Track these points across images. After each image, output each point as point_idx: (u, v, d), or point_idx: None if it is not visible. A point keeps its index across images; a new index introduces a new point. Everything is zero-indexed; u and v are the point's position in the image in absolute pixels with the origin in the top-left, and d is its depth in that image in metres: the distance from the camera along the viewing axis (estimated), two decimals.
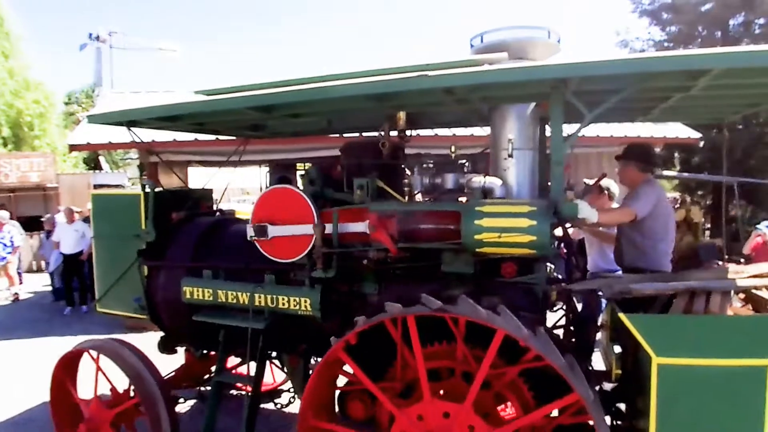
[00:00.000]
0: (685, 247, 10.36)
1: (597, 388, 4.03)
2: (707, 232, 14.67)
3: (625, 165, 4.19)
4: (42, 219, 11.99)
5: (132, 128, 4.09)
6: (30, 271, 14.39)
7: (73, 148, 9.61)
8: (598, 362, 4.32)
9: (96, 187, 15.87)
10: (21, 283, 11.97)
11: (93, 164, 24.50)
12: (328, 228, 3.43)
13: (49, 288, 11.15)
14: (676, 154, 18.92)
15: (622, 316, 2.66)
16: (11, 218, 11.84)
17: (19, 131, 19.80)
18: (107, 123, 4.16)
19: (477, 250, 3.07)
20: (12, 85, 19.47)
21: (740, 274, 2.99)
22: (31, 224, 14.20)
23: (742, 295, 3.00)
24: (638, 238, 3.94)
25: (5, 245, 11.07)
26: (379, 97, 3.21)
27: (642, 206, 3.84)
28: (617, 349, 3.38)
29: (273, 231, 3.58)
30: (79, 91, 29.54)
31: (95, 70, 19.02)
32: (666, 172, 17.40)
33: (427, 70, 2.91)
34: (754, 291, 2.89)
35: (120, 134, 6.67)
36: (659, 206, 3.90)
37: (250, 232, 3.60)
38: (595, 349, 4.02)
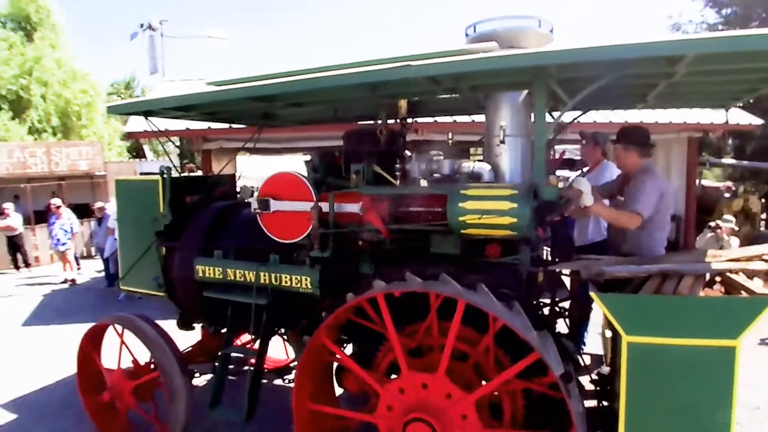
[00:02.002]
0: (743, 237, 10.16)
1: (596, 371, 4.16)
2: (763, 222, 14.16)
3: (626, 149, 4.04)
4: (93, 207, 12.33)
5: (150, 118, 4.37)
6: (82, 257, 15.00)
7: (130, 135, 9.86)
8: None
9: (142, 174, 16.44)
10: (79, 268, 12.42)
11: (136, 153, 25.43)
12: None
13: (102, 274, 11.37)
14: (729, 141, 18.30)
15: (593, 294, 2.76)
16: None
17: (67, 121, 20.69)
18: (125, 113, 4.44)
19: (461, 231, 3.21)
20: (60, 75, 20.34)
21: (717, 258, 3.02)
22: (80, 212, 14.79)
23: (719, 279, 3.03)
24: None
25: (66, 231, 11.48)
26: (371, 87, 3.36)
27: (647, 207, 3.75)
28: (610, 333, 3.47)
29: (275, 205, 3.78)
30: (121, 81, 30.54)
31: (150, 58, 19.43)
32: (724, 160, 16.83)
33: (414, 60, 3.05)
34: (729, 275, 2.93)
35: (175, 122, 6.96)
36: (662, 199, 3.83)
37: (254, 204, 3.79)
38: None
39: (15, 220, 13.07)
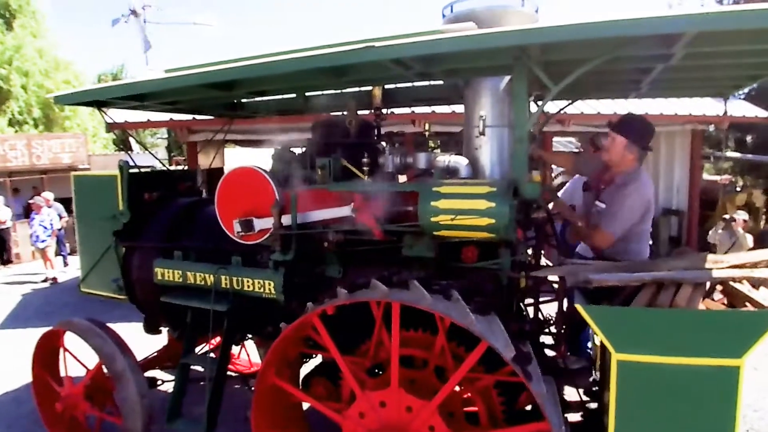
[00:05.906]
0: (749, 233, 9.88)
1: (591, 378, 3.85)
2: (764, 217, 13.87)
3: (627, 147, 3.46)
4: None
5: (104, 108, 4.02)
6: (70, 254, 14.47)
7: (111, 126, 9.50)
8: None
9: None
10: (67, 265, 11.93)
11: (121, 145, 24.92)
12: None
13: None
14: (729, 134, 17.95)
15: (578, 306, 2.44)
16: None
17: (50, 112, 20.16)
18: (73, 104, 4.09)
19: (434, 232, 2.90)
20: (42, 64, 19.78)
21: (718, 263, 2.71)
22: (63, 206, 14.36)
23: (720, 288, 2.71)
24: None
25: (45, 228, 10.99)
26: (335, 72, 3.02)
27: (620, 225, 3.42)
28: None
29: (259, 224, 3.41)
30: (109, 72, 29.89)
31: (142, 38, 18.49)
32: (729, 153, 16.48)
33: (379, 42, 2.71)
34: (732, 283, 2.61)
35: (158, 114, 6.55)
36: (647, 214, 3.51)
37: (237, 227, 3.44)
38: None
39: (3, 212, 12.66)
